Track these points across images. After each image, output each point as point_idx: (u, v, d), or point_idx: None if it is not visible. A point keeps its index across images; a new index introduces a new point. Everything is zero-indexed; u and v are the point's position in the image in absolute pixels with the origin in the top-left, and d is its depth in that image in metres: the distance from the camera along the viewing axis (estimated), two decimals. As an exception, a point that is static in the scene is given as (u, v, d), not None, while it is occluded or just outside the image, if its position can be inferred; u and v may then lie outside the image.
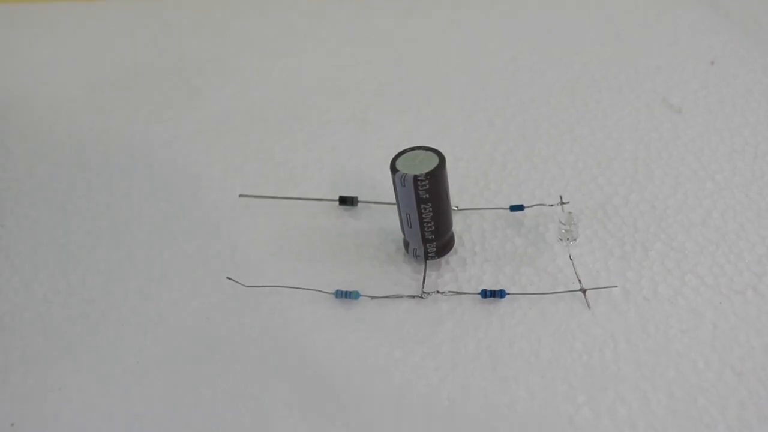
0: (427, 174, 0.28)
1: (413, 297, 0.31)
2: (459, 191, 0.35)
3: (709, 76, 0.41)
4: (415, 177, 0.27)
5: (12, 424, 0.28)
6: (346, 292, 0.31)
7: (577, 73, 0.43)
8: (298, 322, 0.30)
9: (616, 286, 0.30)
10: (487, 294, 0.30)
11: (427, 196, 0.28)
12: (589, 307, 0.29)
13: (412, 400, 0.27)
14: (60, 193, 0.38)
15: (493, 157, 0.37)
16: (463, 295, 0.30)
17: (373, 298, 0.31)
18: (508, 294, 0.30)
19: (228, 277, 0.32)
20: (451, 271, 0.32)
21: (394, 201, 0.30)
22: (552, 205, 0.33)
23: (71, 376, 0.30)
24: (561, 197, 0.33)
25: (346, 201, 0.35)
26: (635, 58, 0.43)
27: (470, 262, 0.32)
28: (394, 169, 0.28)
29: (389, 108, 0.42)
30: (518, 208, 0.33)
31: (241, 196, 0.36)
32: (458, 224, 0.33)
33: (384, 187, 0.36)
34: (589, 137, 0.38)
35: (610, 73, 0.42)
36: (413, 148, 0.30)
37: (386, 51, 0.46)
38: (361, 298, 0.31)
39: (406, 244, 0.32)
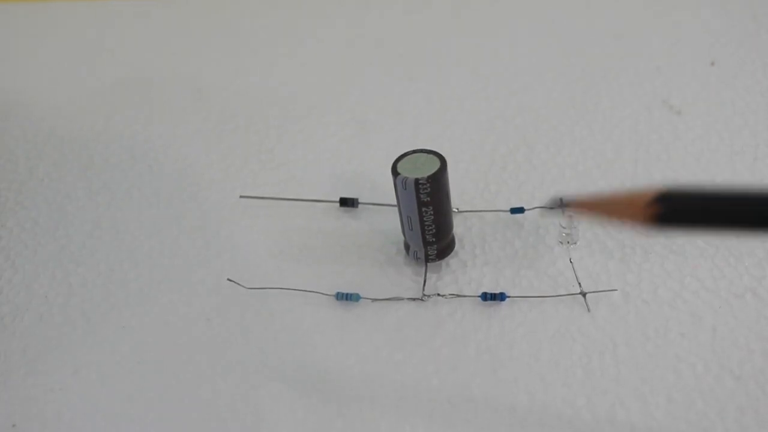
0: (429, 177, 0.28)
1: (414, 299, 0.31)
2: (459, 193, 0.35)
3: (709, 76, 0.41)
4: (417, 180, 0.28)
5: (13, 425, 0.28)
6: (347, 294, 0.31)
7: (576, 73, 0.43)
8: (299, 323, 0.31)
9: (616, 289, 0.30)
10: (487, 297, 0.30)
11: (429, 199, 0.28)
12: (589, 310, 0.29)
13: (413, 402, 0.27)
14: (61, 194, 0.38)
15: (493, 158, 0.37)
16: (463, 298, 0.30)
17: (374, 300, 0.31)
18: (509, 297, 0.30)
19: (229, 279, 0.32)
20: (451, 274, 0.32)
21: (395, 202, 0.30)
22: (552, 208, 0.33)
23: (72, 376, 0.30)
24: (561, 199, 0.33)
25: (346, 202, 0.35)
26: (635, 58, 0.43)
27: (470, 264, 0.32)
28: (395, 172, 0.28)
29: (390, 109, 0.42)
30: (518, 210, 0.33)
31: (241, 197, 0.36)
32: (458, 226, 0.33)
33: (384, 189, 0.36)
34: (589, 138, 0.38)
35: (610, 73, 0.42)
36: (414, 151, 0.30)
37: (386, 52, 0.46)
38: (361, 300, 0.31)
39: (407, 247, 0.32)
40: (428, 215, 0.29)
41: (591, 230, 0.33)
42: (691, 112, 0.39)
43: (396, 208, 0.31)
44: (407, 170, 0.28)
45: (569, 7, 0.49)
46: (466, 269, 0.32)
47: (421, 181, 0.28)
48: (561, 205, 0.21)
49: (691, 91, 0.40)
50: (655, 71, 0.42)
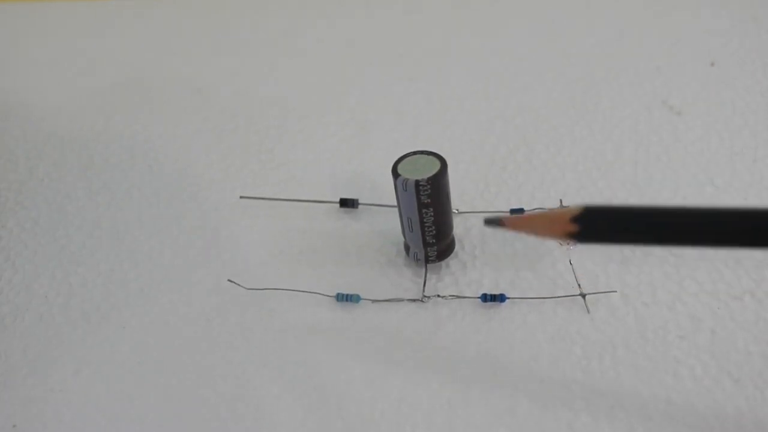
0: (429, 179, 0.28)
1: (414, 300, 0.31)
2: (459, 194, 0.35)
3: (709, 76, 0.41)
4: (417, 182, 0.28)
5: (14, 426, 0.28)
6: (347, 295, 0.31)
7: (576, 73, 0.43)
8: (299, 324, 0.31)
9: (615, 291, 0.30)
10: (487, 298, 0.30)
11: (429, 200, 0.28)
12: (588, 311, 0.29)
13: (413, 403, 0.27)
14: (61, 194, 0.38)
15: (493, 158, 0.37)
16: (463, 299, 0.31)
17: (374, 301, 0.31)
18: (508, 298, 0.30)
19: (229, 280, 0.32)
20: (451, 275, 0.32)
21: (395, 203, 0.30)
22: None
23: (73, 377, 0.30)
24: (561, 201, 0.34)
25: (346, 203, 0.35)
26: (635, 58, 0.43)
27: (470, 266, 0.32)
28: (395, 173, 0.29)
29: (390, 109, 0.42)
30: (518, 211, 0.33)
31: (241, 197, 0.36)
32: (458, 227, 0.33)
33: (385, 189, 0.36)
34: (588, 139, 0.38)
35: (610, 73, 0.42)
36: (415, 152, 0.30)
37: (386, 51, 0.46)
38: (361, 301, 0.31)
39: (407, 248, 0.32)
40: (428, 216, 0.29)
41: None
42: (691, 113, 0.39)
43: (396, 209, 0.31)
44: (408, 171, 0.28)
45: (569, 7, 0.49)
46: (466, 270, 0.32)
47: (421, 183, 0.28)
48: (497, 223, 0.23)
49: (691, 92, 0.40)
50: (655, 71, 0.42)
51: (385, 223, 0.34)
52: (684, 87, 0.41)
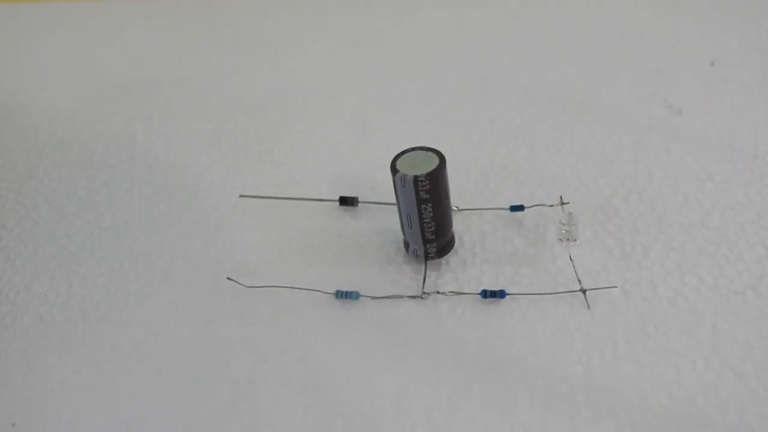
0: (428, 174, 0.28)
1: (413, 297, 0.31)
2: (459, 191, 0.35)
3: (709, 76, 0.41)
4: (416, 177, 0.27)
5: (13, 425, 0.28)
6: (347, 292, 0.31)
7: (577, 73, 0.43)
8: (299, 322, 0.30)
9: (616, 287, 0.30)
10: (487, 294, 0.30)
11: (428, 196, 0.28)
12: (588, 307, 0.29)
13: (412, 400, 0.27)
14: (61, 194, 0.38)
15: (493, 158, 0.37)
16: (463, 296, 0.30)
17: (374, 298, 0.31)
18: (508, 294, 0.30)
19: (228, 278, 0.32)
20: (451, 272, 0.32)
21: (395, 201, 0.30)
22: (552, 206, 0.33)
23: (72, 376, 0.30)
24: (561, 197, 0.33)
25: (346, 201, 0.35)
26: (635, 58, 0.43)
27: (470, 262, 0.32)
28: (394, 169, 0.28)
29: (389, 108, 0.42)
30: (518, 208, 0.33)
31: (241, 196, 0.36)
32: (458, 224, 0.33)
33: (384, 188, 0.36)
34: (588, 138, 0.38)
35: (611, 73, 0.42)
36: (413, 149, 0.29)
37: (386, 51, 0.46)
38: (361, 298, 0.31)
39: (407, 245, 0.32)
40: (427, 213, 0.29)
41: (591, 228, 0.33)
42: (691, 112, 0.39)
43: (395, 207, 0.30)
44: (406, 167, 0.28)
45: (569, 7, 0.49)
46: (466, 267, 0.32)
47: (420, 179, 0.27)
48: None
49: (691, 91, 0.40)
50: (655, 71, 0.42)
51: (385, 221, 0.34)
52: (684, 87, 0.41)
